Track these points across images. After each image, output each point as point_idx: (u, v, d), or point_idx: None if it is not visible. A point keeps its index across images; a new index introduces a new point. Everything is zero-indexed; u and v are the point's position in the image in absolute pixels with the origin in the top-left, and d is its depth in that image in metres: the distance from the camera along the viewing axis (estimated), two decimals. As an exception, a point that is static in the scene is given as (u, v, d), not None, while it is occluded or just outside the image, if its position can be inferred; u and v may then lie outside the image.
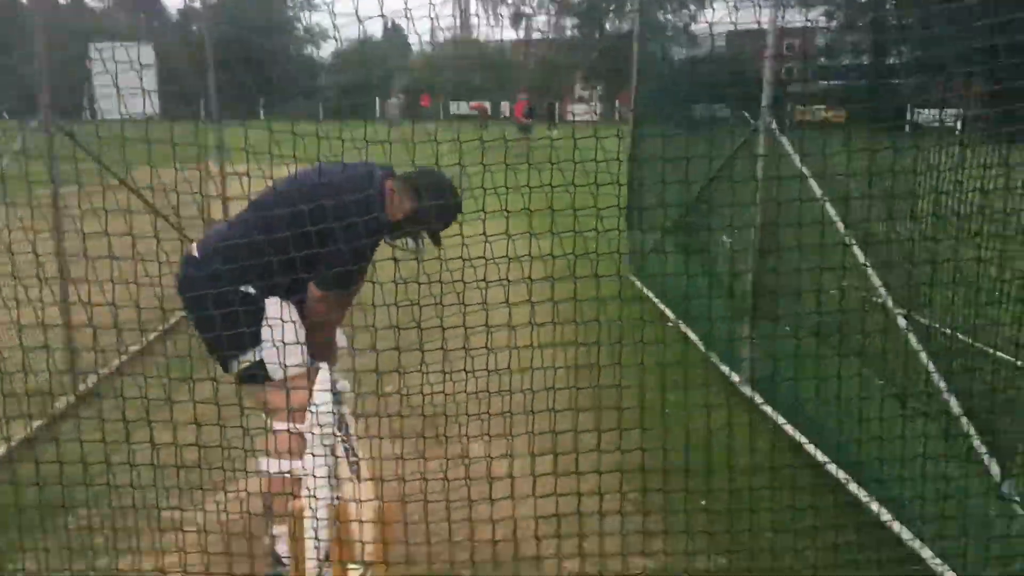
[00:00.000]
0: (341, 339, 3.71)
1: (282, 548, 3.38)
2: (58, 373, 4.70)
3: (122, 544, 3.38)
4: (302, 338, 3.31)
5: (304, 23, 62.26)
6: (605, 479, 3.11)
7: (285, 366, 3.12)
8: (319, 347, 3.44)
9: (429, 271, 3.05)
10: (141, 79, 3.23)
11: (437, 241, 3.47)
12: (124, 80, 3.30)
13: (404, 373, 2.98)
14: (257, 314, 3.19)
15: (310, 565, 3.15)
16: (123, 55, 3.39)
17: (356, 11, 2.98)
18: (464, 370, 3.02)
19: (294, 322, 3.26)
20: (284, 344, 3.09)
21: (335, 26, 3.15)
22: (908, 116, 4.48)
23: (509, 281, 2.96)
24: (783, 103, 5.59)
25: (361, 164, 3.43)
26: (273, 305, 3.21)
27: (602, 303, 3.15)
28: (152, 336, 6.06)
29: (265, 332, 3.17)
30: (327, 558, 3.13)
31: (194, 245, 3.39)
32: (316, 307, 3.32)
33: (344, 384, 3.41)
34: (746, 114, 5.53)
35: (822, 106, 5.66)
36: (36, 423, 4.42)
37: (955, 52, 3.41)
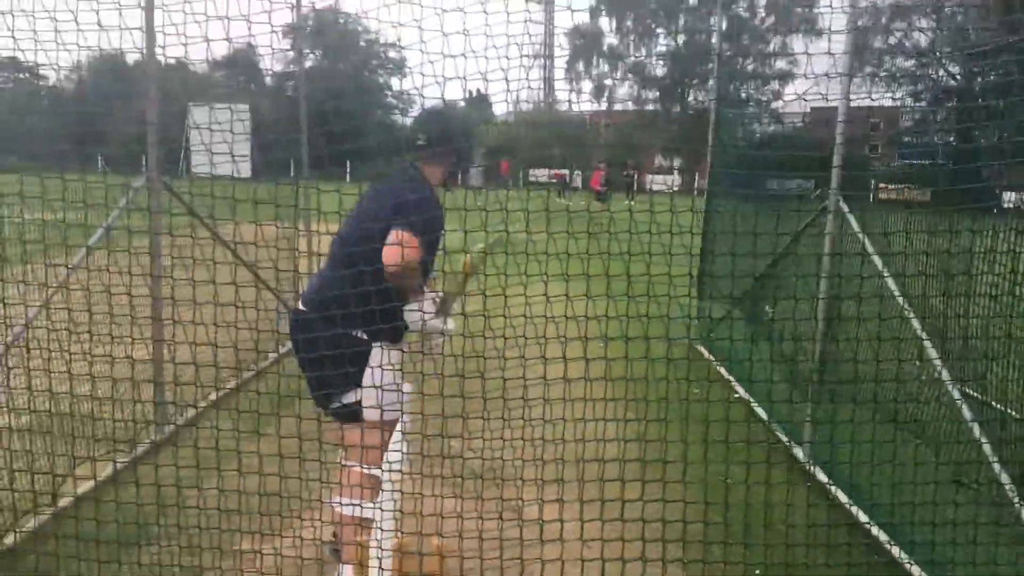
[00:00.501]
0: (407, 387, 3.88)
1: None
2: (149, 415, 5.03)
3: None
4: (399, 385, 3.54)
5: (394, 89, 64.13)
6: (668, 546, 3.24)
7: (383, 409, 3.40)
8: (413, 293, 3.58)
9: (515, 324, 3.24)
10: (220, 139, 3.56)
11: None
12: (221, 140, 3.64)
13: (488, 419, 3.16)
14: (363, 358, 3.46)
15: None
16: (221, 116, 3.74)
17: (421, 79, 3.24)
18: (541, 438, 3.19)
19: (394, 370, 3.50)
20: (379, 388, 3.38)
21: (441, 86, 3.37)
22: (996, 198, 4.52)
23: (580, 348, 3.14)
24: (861, 181, 5.67)
25: (396, 174, 3.76)
26: (377, 352, 3.47)
27: (669, 372, 3.28)
28: (235, 382, 6.38)
29: (367, 376, 3.43)
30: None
31: (300, 301, 3.69)
32: (393, 252, 3.32)
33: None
34: (830, 191, 5.56)
35: (904, 186, 5.70)
36: (123, 459, 4.73)
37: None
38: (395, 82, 64.76)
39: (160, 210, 5.43)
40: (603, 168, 28.87)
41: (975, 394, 3.80)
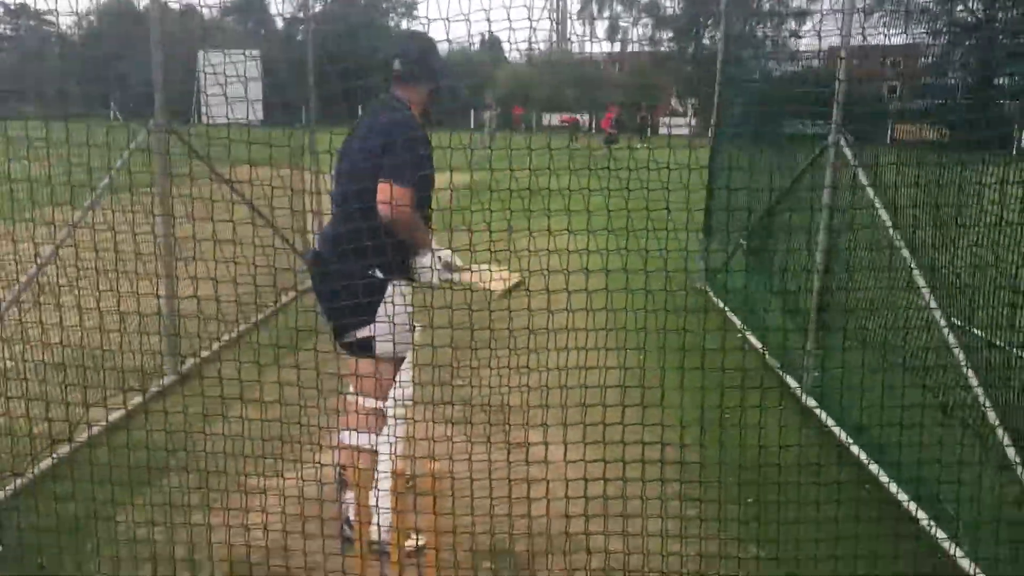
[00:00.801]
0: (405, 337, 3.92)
1: (352, 513, 3.71)
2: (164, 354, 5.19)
3: (215, 504, 3.77)
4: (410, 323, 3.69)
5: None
6: (652, 470, 3.36)
7: (394, 344, 3.56)
8: (417, 242, 3.65)
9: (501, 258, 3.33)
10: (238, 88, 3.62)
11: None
12: (231, 86, 3.69)
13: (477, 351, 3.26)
14: (379, 295, 3.56)
15: (373, 531, 3.51)
16: (231, 63, 3.79)
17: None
18: (530, 367, 3.30)
19: (407, 309, 3.63)
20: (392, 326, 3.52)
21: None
22: (1016, 139, 4.53)
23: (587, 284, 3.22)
24: (874, 120, 5.68)
25: (382, 106, 3.75)
26: (389, 289, 3.58)
27: (673, 311, 3.35)
28: (243, 327, 6.54)
29: (382, 313, 3.55)
30: (389, 526, 3.48)
31: (317, 245, 3.82)
32: (390, 201, 3.41)
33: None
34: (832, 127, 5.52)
35: (922, 125, 5.67)
36: (137, 399, 4.90)
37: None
38: (406, 25, 63.99)
39: (166, 154, 5.54)
40: (615, 110, 28.62)
41: (962, 324, 3.89)
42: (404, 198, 3.40)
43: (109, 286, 3.80)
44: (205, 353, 5.88)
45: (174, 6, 5.19)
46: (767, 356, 6.13)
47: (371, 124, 3.68)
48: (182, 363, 5.75)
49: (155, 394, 5.21)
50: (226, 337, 6.08)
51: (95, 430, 4.49)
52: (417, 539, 3.61)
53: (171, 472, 3.90)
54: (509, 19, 3.12)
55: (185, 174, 4.33)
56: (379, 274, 3.57)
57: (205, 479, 3.73)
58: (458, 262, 3.76)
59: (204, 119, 5.68)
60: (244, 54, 3.93)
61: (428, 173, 3.58)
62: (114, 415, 4.41)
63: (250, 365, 3.48)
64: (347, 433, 3.69)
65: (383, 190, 3.40)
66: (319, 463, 3.55)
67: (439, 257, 3.66)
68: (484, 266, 3.73)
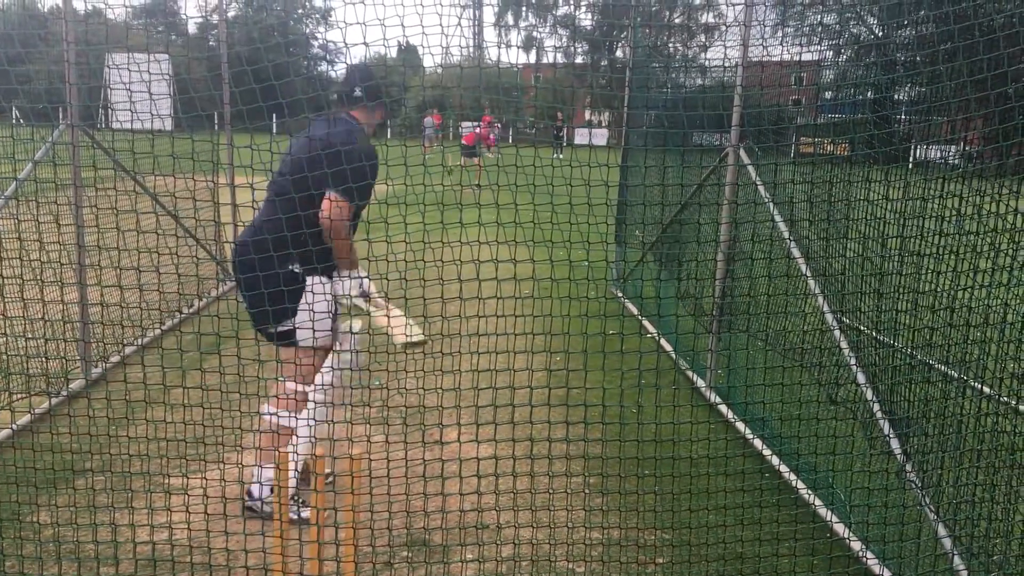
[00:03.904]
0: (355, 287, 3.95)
1: (266, 492, 3.81)
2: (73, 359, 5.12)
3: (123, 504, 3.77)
4: (332, 311, 3.82)
5: (320, 40, 62.74)
6: (573, 465, 3.49)
7: (314, 334, 3.69)
8: (342, 261, 3.77)
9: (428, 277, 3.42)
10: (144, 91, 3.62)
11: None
12: (140, 92, 3.68)
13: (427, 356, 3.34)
14: (299, 291, 3.68)
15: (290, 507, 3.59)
16: (141, 67, 3.78)
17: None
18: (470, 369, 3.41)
19: (327, 300, 3.75)
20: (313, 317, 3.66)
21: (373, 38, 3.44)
22: (912, 152, 4.81)
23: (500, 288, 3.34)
24: (777, 133, 5.94)
25: (333, 120, 3.85)
26: (314, 283, 3.71)
27: (587, 315, 3.48)
28: (157, 331, 6.48)
29: (303, 305, 3.67)
30: (304, 503, 3.69)
31: (237, 243, 3.84)
32: (330, 213, 3.56)
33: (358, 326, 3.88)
34: (728, 141, 5.77)
35: (823, 139, 5.93)
36: (52, 401, 4.83)
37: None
38: (320, 32, 63.49)
39: (78, 160, 5.46)
40: (477, 126, 27.38)
41: (852, 323, 4.14)
42: (345, 214, 3.58)
43: (21, 290, 3.77)
44: (115, 358, 5.81)
45: (79, 7, 5.11)
46: (674, 356, 6.37)
47: (313, 137, 3.71)
48: (95, 366, 5.67)
49: (65, 398, 5.14)
50: (137, 343, 6.03)
51: (3, 433, 4.43)
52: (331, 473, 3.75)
53: (86, 473, 3.88)
54: (422, 26, 3.22)
55: (98, 176, 4.29)
56: (297, 269, 3.68)
57: (109, 482, 3.72)
58: (374, 292, 3.90)
59: (112, 123, 5.61)
60: (152, 57, 3.93)
61: (368, 186, 3.69)
62: (23, 419, 4.35)
63: (166, 367, 3.50)
64: (267, 409, 3.80)
65: (326, 204, 3.56)
66: (224, 464, 3.58)
67: (360, 283, 3.79)
68: (398, 312, 3.88)
